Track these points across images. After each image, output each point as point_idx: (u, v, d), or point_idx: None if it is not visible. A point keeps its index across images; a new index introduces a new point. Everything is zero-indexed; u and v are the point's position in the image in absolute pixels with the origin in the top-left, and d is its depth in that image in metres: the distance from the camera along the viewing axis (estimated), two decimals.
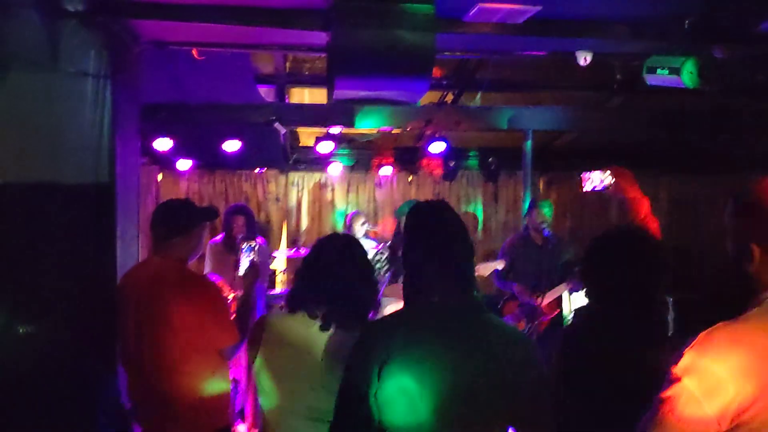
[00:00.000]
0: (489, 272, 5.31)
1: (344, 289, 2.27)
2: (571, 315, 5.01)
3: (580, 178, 5.57)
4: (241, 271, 3.32)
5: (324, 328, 2.23)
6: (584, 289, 2.07)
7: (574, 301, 5.25)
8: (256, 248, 3.37)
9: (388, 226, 7.88)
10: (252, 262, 3.27)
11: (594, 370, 1.82)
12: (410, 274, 1.89)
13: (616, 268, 1.93)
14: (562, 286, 5.13)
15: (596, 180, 5.28)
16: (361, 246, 2.45)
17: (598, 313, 1.97)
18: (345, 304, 2.27)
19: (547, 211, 5.37)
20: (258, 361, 2.38)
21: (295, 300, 2.37)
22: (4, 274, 2.98)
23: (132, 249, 3.84)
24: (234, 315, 3.09)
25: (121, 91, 3.67)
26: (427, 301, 1.82)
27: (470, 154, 8.07)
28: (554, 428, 1.74)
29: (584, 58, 4.34)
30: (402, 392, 1.66)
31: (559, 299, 5.20)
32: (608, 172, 5.17)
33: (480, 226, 8.34)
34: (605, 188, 5.19)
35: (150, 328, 2.78)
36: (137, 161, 4.04)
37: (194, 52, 4.41)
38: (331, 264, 2.32)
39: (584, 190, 5.49)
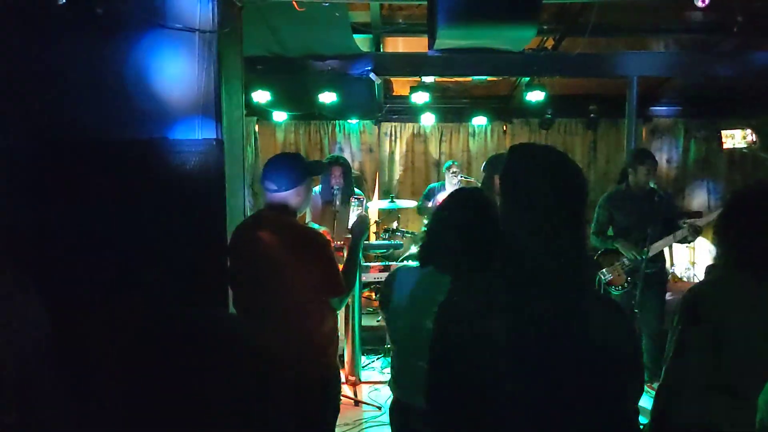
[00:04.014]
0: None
1: (473, 243, 2.28)
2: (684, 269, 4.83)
3: (720, 134, 5.36)
4: (350, 224, 3.36)
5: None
6: (718, 248, 1.95)
7: (675, 253, 5.08)
8: (363, 201, 3.40)
9: (481, 176, 7.77)
10: (360, 215, 3.30)
11: (730, 335, 1.72)
12: (505, 231, 1.67)
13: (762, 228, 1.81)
14: (669, 238, 4.92)
15: (738, 138, 5.07)
16: (491, 201, 2.45)
17: (738, 273, 1.85)
18: (475, 258, 2.26)
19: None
20: (389, 312, 2.50)
21: (425, 254, 2.44)
22: (126, 226, 3.15)
23: (239, 200, 3.93)
24: (342, 266, 3.14)
25: (227, 46, 3.71)
26: (518, 265, 1.57)
27: (568, 102, 7.81)
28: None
29: None
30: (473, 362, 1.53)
31: (661, 252, 5.03)
32: (749, 130, 4.94)
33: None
34: (746, 147, 4.97)
35: (262, 278, 2.87)
36: (242, 114, 4.11)
37: (294, 3, 4.39)
38: (462, 220, 2.36)
39: (724, 147, 5.29)
